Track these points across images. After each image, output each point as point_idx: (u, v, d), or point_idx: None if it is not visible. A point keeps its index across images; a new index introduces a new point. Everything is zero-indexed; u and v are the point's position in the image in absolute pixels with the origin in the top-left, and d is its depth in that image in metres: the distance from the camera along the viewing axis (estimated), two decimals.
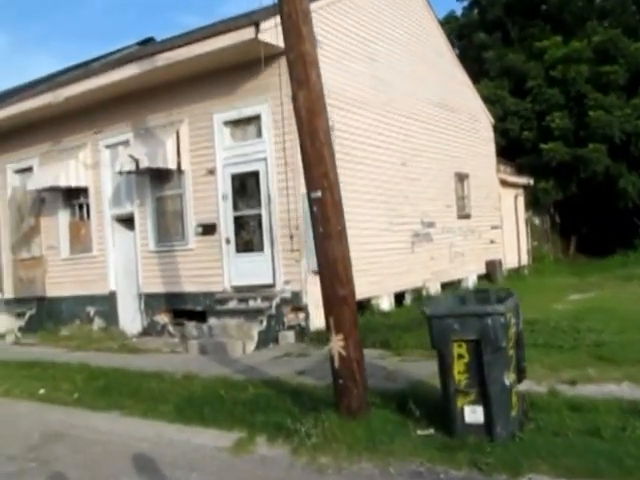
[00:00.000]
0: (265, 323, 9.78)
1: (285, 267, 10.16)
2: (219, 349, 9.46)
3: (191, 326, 11.36)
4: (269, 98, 10.21)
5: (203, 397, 6.92)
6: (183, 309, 11.37)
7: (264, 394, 6.82)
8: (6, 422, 7.10)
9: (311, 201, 5.34)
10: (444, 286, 14.13)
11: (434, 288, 13.66)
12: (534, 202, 19.99)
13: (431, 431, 5.21)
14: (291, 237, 9.98)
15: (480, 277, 15.99)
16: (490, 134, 17.74)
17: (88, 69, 13.82)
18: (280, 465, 5.23)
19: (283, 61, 9.89)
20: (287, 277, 10.13)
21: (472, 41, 23.37)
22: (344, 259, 5.35)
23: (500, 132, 18.55)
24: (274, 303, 9.99)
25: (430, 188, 14.08)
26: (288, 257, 10.13)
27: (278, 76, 9.87)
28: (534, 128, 20.21)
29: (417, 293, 13.12)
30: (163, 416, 6.50)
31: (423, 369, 7.44)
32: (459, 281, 15.14)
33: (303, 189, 9.98)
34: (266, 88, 10.21)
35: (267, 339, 9.77)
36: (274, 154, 10.21)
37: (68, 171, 12.20)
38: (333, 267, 5.31)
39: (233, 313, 10.12)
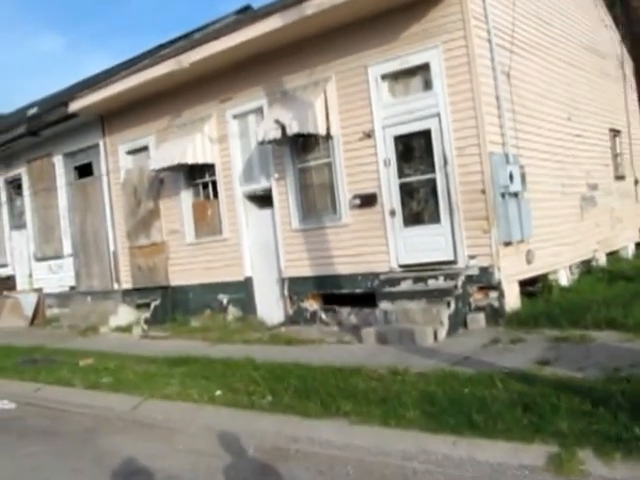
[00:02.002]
0: (453, 305, 8.29)
1: (469, 239, 8.66)
2: (404, 337, 8.06)
3: (346, 312, 10.02)
4: (441, 43, 8.70)
5: (448, 397, 5.49)
6: (336, 293, 10.03)
7: (530, 393, 5.33)
8: (206, 434, 5.81)
9: None
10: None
11: (601, 259, 11.94)
12: None
13: None
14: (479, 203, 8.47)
15: (637, 245, 14.16)
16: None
17: (213, 31, 12.52)
18: None
19: None
20: (472, 251, 8.64)
21: None
22: None
23: None
24: (460, 282, 8.48)
25: (591, 145, 12.38)
26: (473, 227, 8.63)
27: (460, 13, 8.43)
28: None
29: (586, 266, 11.40)
30: (411, 424, 5.09)
31: None
32: (617, 251, 13.32)
33: (490, 147, 8.62)
34: (437, 31, 8.75)
35: (455, 323, 8.33)
36: (450, 108, 8.68)
37: (195, 146, 10.94)
38: None
39: (409, 295, 8.67)
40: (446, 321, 8.14)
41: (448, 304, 8.32)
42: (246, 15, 12.36)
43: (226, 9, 59.43)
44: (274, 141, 9.69)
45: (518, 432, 4.60)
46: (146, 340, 11.13)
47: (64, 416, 7.20)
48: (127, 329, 12.16)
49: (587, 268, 11.43)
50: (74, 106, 12.64)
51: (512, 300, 8.69)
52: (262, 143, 9.85)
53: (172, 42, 14.24)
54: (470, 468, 4.40)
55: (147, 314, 11.89)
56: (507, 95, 9.27)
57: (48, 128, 13.60)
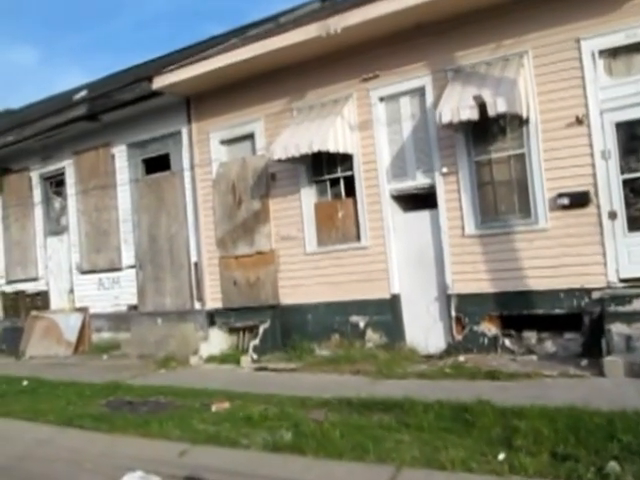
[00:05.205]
0: None
1: None
2: None
3: (534, 337, 9.16)
4: None
5: None
6: (524, 314, 9.16)
7: None
8: None
9: None
10: None
11: None
12: None
13: None
14: None
15: None
16: None
17: None
18: None
19: None
20: None
21: None
22: None
23: None
24: None
25: None
26: None
27: None
28: None
29: None
30: None
31: None
32: None
33: None
34: None
35: None
36: None
37: (336, 132, 10.02)
38: None
39: None
40: None
41: None
42: None
43: (211, 30, 61.58)
44: (465, 123, 8.96)
45: None
46: (265, 373, 10.08)
47: None
48: (225, 359, 11.10)
49: None
50: (160, 82, 11.71)
51: None
52: (446, 126, 9.06)
53: (245, 28, 13.42)
54: None
55: (255, 341, 10.71)
56: None
57: (117, 110, 12.49)
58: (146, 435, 7.29)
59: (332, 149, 10.07)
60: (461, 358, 9.18)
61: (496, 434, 5.92)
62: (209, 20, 61.46)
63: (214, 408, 7.90)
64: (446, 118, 8.87)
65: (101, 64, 63.55)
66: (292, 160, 10.49)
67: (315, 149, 9.94)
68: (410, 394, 7.38)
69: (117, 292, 13.34)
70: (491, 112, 8.55)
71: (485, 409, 6.51)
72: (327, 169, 10.95)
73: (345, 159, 10.63)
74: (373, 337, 10.32)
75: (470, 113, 8.67)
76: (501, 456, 5.43)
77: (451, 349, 9.61)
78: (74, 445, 7.53)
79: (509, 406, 6.54)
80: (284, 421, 7.08)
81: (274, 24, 13.41)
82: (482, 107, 8.60)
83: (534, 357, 8.88)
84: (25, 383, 10.98)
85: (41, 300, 14.64)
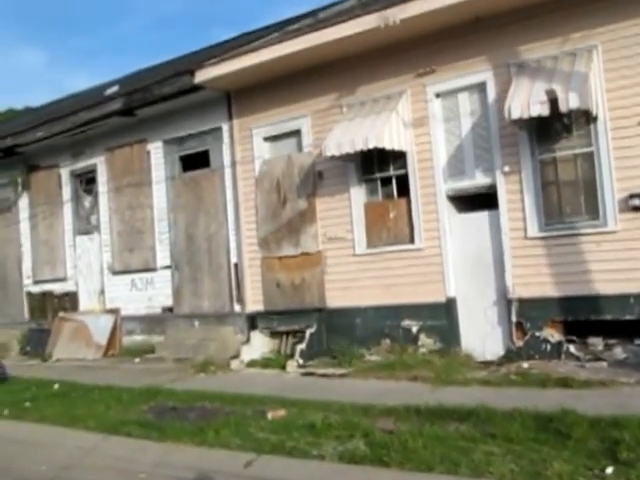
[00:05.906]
0: None
1: None
2: None
3: (600, 344, 8.93)
4: None
5: None
6: (590, 319, 8.93)
7: None
8: None
9: None
10: None
11: None
12: None
13: None
14: None
15: None
16: None
17: None
18: None
19: None
20: None
21: None
22: None
23: None
24: None
25: None
26: None
27: None
28: None
29: None
30: None
31: None
32: None
33: None
34: None
35: None
36: None
37: (391, 128, 9.80)
38: None
39: None
40: None
41: None
42: None
43: (218, 35, 62.46)
44: (531, 120, 8.72)
45: None
46: (313, 379, 9.82)
47: None
48: (268, 364, 10.87)
49: None
50: (202, 76, 11.54)
51: None
52: (513, 122, 8.83)
53: (283, 23, 13.22)
54: None
55: (302, 345, 10.48)
56: None
57: (155, 104, 12.30)
58: (202, 444, 7.01)
59: (388, 146, 9.88)
60: (525, 365, 8.92)
61: (595, 446, 5.66)
62: (218, 24, 62.16)
63: (270, 415, 7.63)
64: (516, 114, 8.64)
65: (106, 67, 64.59)
66: (342, 157, 10.30)
67: (371, 145, 9.74)
68: (479, 402, 7.11)
69: (151, 293, 13.12)
70: (563, 108, 8.34)
71: (575, 419, 6.25)
72: (378, 167, 10.74)
73: (397, 157, 10.42)
74: (427, 342, 10.07)
75: (541, 109, 8.45)
76: (609, 470, 5.17)
77: (511, 355, 9.36)
78: (122, 454, 7.29)
79: (599, 416, 6.28)
80: (351, 430, 6.78)
81: (313, 19, 13.24)
82: (552, 103, 8.40)
83: (604, 364, 8.61)
84: (56, 387, 10.75)
85: (69, 301, 14.43)
